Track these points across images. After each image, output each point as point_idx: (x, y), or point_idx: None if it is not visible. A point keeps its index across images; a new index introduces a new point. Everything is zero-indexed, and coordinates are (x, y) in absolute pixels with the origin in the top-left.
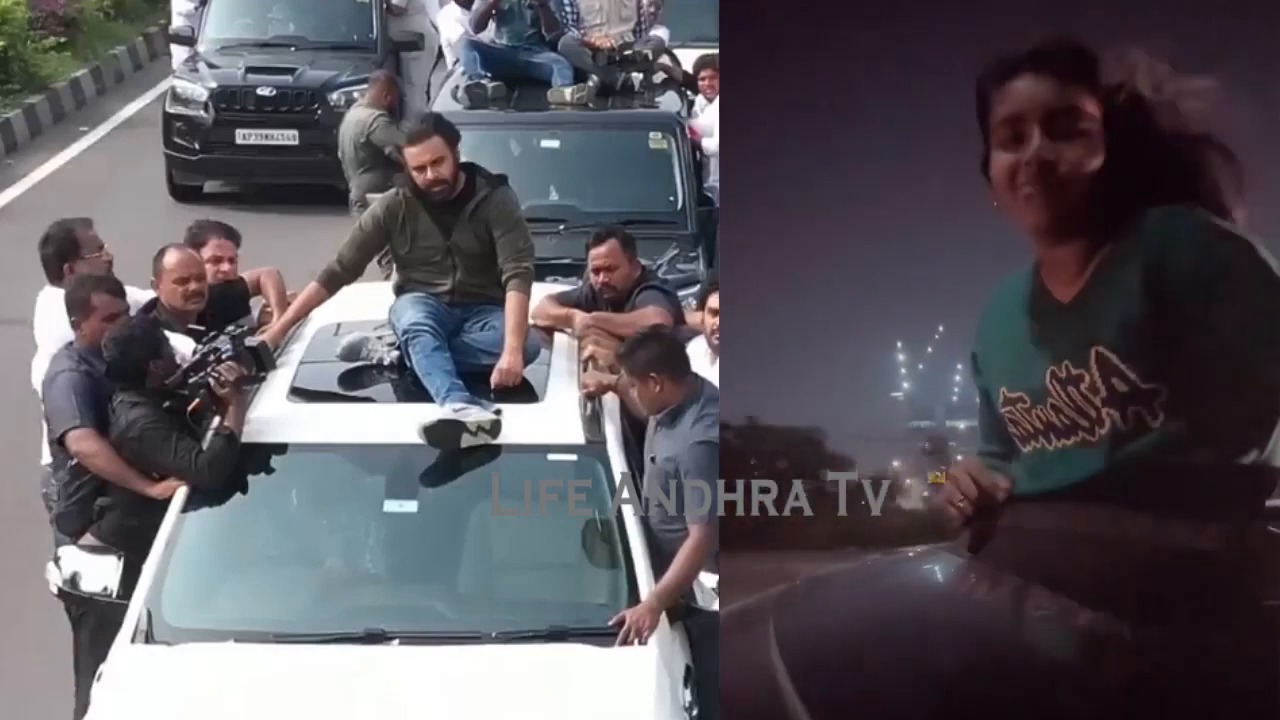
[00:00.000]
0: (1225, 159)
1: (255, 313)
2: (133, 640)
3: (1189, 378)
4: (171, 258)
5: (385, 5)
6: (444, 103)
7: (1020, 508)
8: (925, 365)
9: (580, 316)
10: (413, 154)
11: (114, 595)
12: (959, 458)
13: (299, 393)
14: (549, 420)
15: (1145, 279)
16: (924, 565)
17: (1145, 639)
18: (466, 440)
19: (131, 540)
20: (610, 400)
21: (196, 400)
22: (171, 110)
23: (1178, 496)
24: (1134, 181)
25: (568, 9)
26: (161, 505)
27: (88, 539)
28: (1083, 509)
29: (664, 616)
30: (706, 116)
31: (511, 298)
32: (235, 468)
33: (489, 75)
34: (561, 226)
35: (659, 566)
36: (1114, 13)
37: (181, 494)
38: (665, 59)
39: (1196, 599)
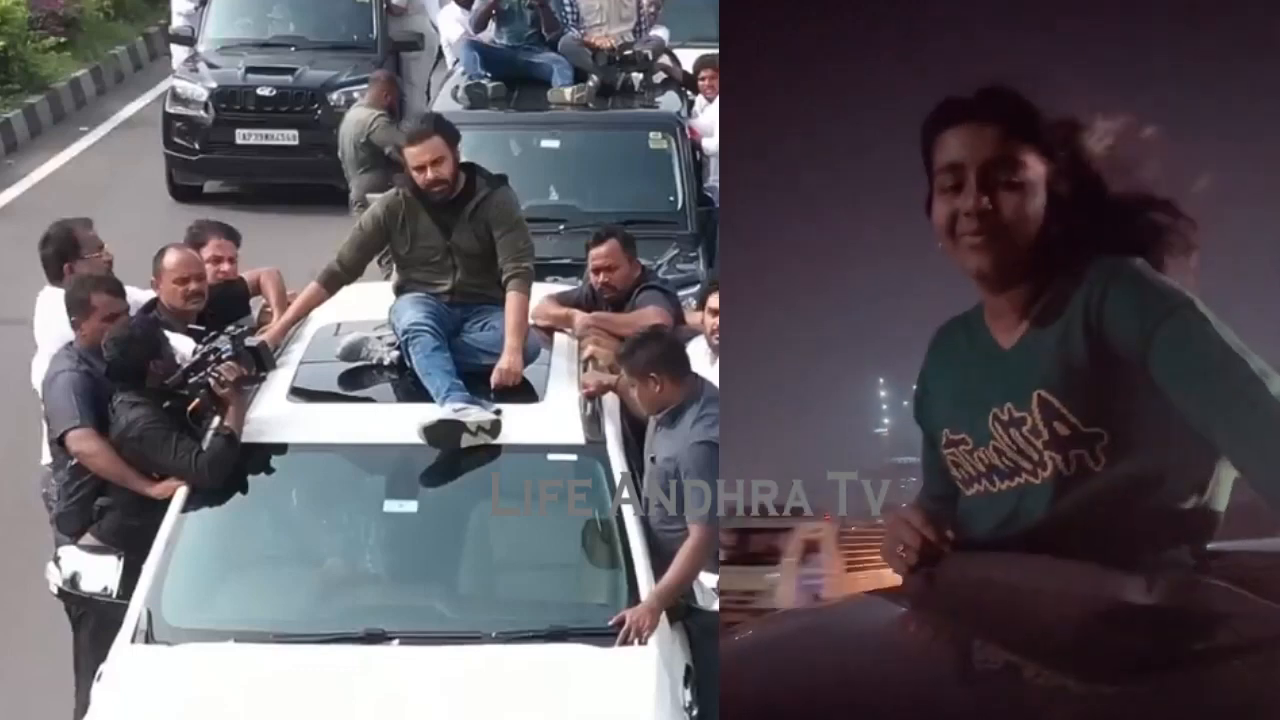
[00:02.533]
0: (1173, 221)
1: (255, 313)
2: (133, 640)
3: (1129, 423)
4: (171, 258)
5: (385, 5)
6: (444, 103)
7: (963, 557)
8: (910, 401)
9: (580, 316)
10: (413, 154)
11: (114, 595)
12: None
13: (299, 393)
14: (549, 420)
15: (1085, 325)
16: (864, 616)
17: (1090, 693)
18: (466, 440)
19: (131, 540)
20: (610, 400)
21: (196, 400)
22: (171, 110)
23: (1119, 542)
24: (1078, 234)
25: (568, 9)
26: (161, 505)
27: (88, 539)
28: (1026, 559)
29: (664, 616)
30: (706, 116)
31: (511, 298)
32: (235, 468)
33: (489, 75)
34: (561, 226)
35: (659, 566)
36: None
37: (181, 494)
38: (665, 59)
39: (1138, 651)
